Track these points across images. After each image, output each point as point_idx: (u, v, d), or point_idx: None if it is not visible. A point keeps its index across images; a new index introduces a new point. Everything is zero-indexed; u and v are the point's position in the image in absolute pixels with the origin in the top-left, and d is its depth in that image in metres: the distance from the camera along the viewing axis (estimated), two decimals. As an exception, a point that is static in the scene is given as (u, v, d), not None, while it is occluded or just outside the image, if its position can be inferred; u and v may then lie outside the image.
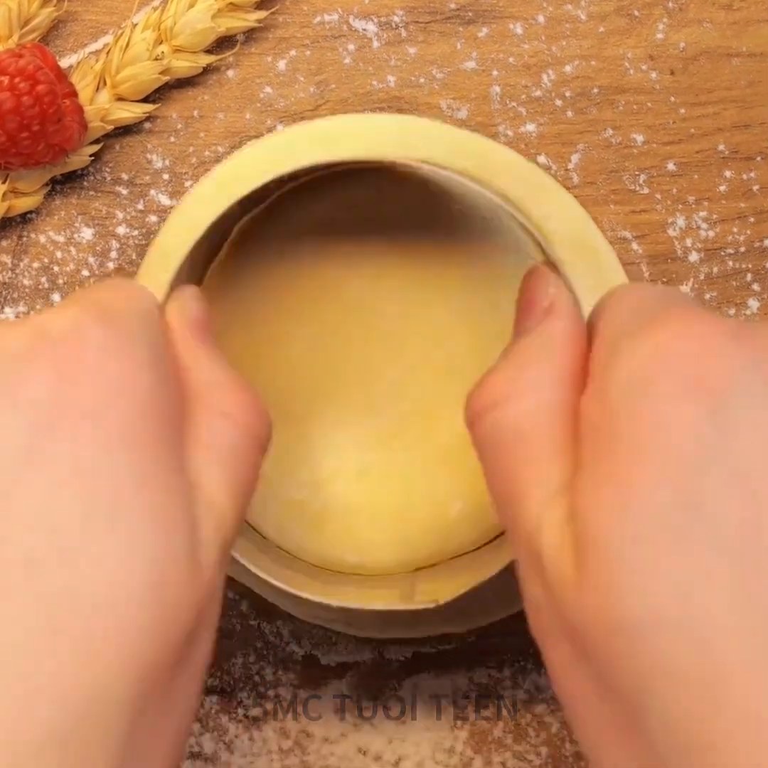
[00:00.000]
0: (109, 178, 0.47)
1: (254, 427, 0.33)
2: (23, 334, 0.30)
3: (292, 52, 0.47)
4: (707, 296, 0.47)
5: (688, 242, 0.47)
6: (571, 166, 0.47)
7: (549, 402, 0.32)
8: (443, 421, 0.46)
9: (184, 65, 0.46)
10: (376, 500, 0.45)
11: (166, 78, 0.46)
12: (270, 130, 0.47)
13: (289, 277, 0.46)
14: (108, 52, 0.46)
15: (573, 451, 0.31)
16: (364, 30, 0.47)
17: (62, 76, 0.44)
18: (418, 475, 0.46)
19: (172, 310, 0.35)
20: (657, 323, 0.30)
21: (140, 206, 0.46)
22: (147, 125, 0.47)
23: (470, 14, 0.47)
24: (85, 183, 0.46)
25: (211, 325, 0.36)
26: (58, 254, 0.46)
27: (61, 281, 0.46)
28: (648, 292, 0.34)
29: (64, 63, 0.46)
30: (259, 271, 0.46)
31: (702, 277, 0.47)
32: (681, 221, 0.47)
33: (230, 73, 0.47)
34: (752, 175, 0.47)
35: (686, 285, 0.47)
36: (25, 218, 0.46)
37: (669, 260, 0.47)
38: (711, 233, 0.47)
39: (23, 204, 0.46)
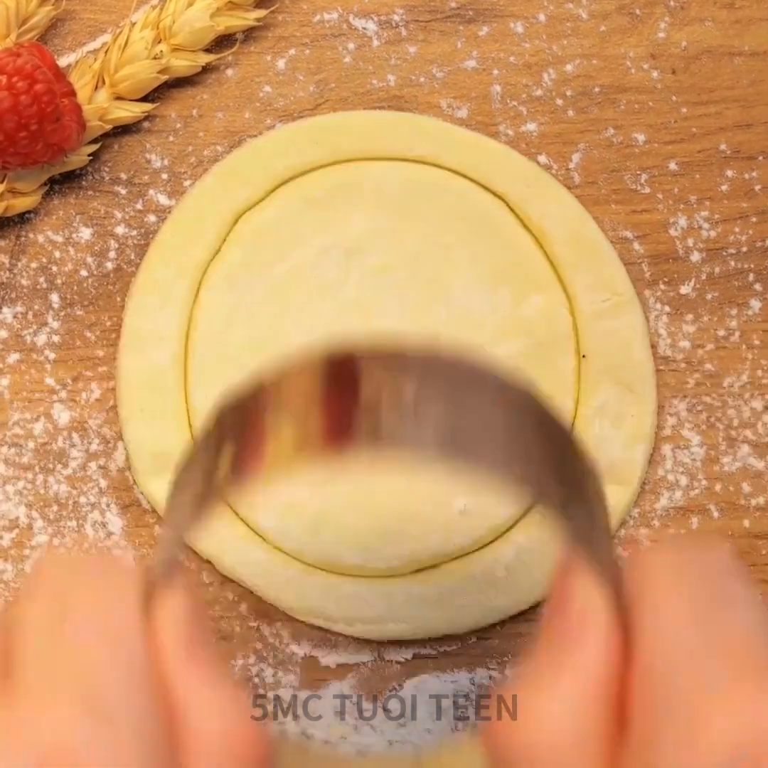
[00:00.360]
0: (107, 178, 0.46)
1: (246, 757, 0.31)
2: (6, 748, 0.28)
3: (292, 51, 0.47)
4: (709, 296, 0.46)
5: (690, 242, 0.46)
6: (572, 165, 0.47)
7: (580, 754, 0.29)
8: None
9: (182, 64, 0.46)
10: (376, 500, 0.45)
11: (164, 77, 0.46)
12: (269, 129, 0.46)
13: (289, 274, 0.46)
14: (106, 51, 0.45)
15: None
16: (364, 29, 0.47)
17: (60, 75, 0.44)
18: (419, 474, 0.45)
19: (160, 624, 0.31)
20: (705, 715, 0.27)
21: (139, 206, 0.46)
22: (146, 124, 0.46)
23: (471, 13, 0.47)
24: (83, 182, 0.46)
25: (202, 627, 0.34)
26: (57, 254, 0.46)
27: (59, 281, 0.46)
28: (692, 590, 0.30)
29: (62, 62, 0.46)
30: (259, 268, 0.46)
31: (703, 277, 0.46)
32: (682, 221, 0.46)
33: (229, 72, 0.47)
34: (754, 174, 0.47)
35: (688, 285, 0.46)
36: (23, 218, 0.46)
37: (670, 260, 0.46)
38: (713, 233, 0.46)
39: (21, 204, 0.46)
